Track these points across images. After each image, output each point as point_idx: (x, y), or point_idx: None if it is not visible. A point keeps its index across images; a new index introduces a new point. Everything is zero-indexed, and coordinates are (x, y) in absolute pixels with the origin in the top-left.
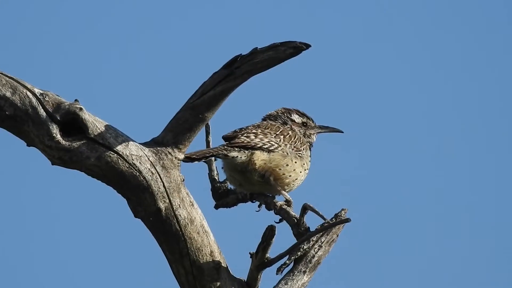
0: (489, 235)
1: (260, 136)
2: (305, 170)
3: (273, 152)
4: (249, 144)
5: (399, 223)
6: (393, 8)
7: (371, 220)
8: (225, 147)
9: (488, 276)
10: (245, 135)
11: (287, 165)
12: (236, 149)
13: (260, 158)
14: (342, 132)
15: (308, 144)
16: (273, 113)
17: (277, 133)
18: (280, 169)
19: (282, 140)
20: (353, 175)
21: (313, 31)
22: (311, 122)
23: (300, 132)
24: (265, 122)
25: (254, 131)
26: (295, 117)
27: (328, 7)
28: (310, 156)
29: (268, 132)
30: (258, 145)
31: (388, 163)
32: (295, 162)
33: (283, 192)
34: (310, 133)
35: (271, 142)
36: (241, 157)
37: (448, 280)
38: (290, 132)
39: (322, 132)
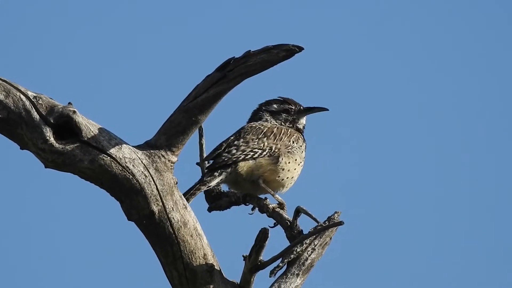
0: (487, 235)
1: (242, 147)
2: (298, 164)
3: (259, 158)
4: (230, 160)
5: (393, 226)
6: (390, 8)
7: (365, 223)
8: (204, 179)
9: (486, 277)
10: (226, 151)
11: (283, 169)
12: (216, 172)
13: (245, 167)
14: (328, 109)
15: (298, 132)
16: (254, 112)
17: (259, 136)
18: (267, 173)
19: (266, 142)
20: (346, 178)
21: (307, 32)
22: (293, 106)
23: (285, 122)
24: (247, 126)
25: (235, 142)
26: (274, 107)
27: (324, 8)
28: (304, 142)
29: (250, 138)
30: (240, 158)
31: (382, 166)
32: (288, 163)
33: (275, 195)
34: (294, 118)
35: (254, 150)
36: (226, 176)
37: (445, 282)
38: (275, 129)
39: (309, 114)
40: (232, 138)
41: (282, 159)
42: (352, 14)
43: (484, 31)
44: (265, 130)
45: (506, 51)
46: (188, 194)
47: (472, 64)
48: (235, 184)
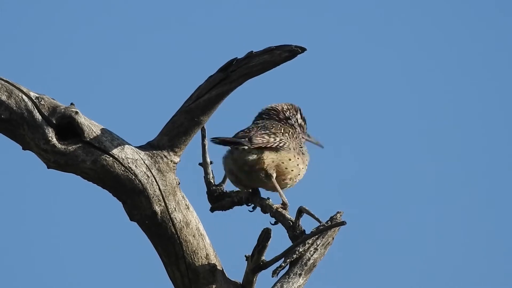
0: (487, 234)
1: (272, 136)
2: (305, 165)
3: (281, 149)
4: (268, 143)
5: (394, 225)
6: (390, 10)
7: (367, 223)
8: (243, 139)
9: (486, 276)
10: (259, 135)
11: (290, 160)
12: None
13: (269, 156)
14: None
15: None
16: (276, 108)
17: (282, 131)
18: (283, 163)
19: (287, 137)
20: (349, 178)
21: (310, 33)
22: (305, 127)
23: (298, 130)
24: (266, 121)
25: (263, 131)
26: (298, 117)
27: (325, 9)
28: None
29: (275, 131)
30: (275, 144)
31: (383, 166)
32: (298, 158)
33: (282, 194)
34: (301, 137)
35: (282, 141)
36: (252, 156)
37: (445, 282)
38: (290, 129)
39: (307, 140)
40: (254, 128)
41: (295, 154)
42: (353, 15)
43: (484, 31)
44: (284, 128)
45: (506, 52)
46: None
47: (472, 65)
48: (249, 173)
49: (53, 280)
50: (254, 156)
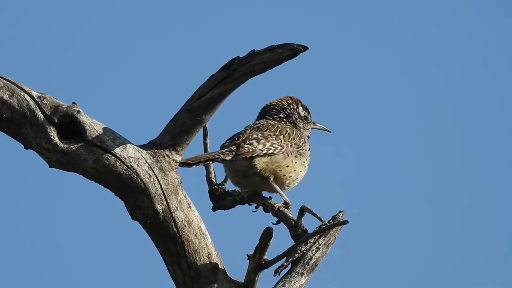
0: (487, 233)
1: (262, 141)
2: (305, 167)
3: (274, 154)
4: (254, 152)
5: (396, 225)
6: (390, 10)
7: (369, 222)
8: (223, 151)
9: (486, 276)
10: (247, 142)
11: (288, 166)
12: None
13: (261, 161)
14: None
15: (306, 137)
16: (277, 105)
17: (277, 133)
18: (280, 171)
19: (282, 140)
20: (351, 177)
21: (312, 32)
22: (310, 116)
23: (300, 125)
24: (263, 121)
25: (255, 136)
26: (300, 109)
27: (326, 8)
28: (309, 149)
29: (268, 134)
30: (263, 152)
31: (385, 165)
32: (295, 162)
33: (282, 194)
34: (306, 128)
35: (273, 146)
36: (244, 163)
37: (445, 281)
38: (288, 129)
39: (314, 128)
40: (248, 131)
41: (293, 158)
42: (353, 15)
43: (484, 31)
44: (281, 128)
45: (506, 52)
46: (200, 157)
47: (472, 65)
48: (244, 177)
49: (53, 280)
50: (246, 163)
